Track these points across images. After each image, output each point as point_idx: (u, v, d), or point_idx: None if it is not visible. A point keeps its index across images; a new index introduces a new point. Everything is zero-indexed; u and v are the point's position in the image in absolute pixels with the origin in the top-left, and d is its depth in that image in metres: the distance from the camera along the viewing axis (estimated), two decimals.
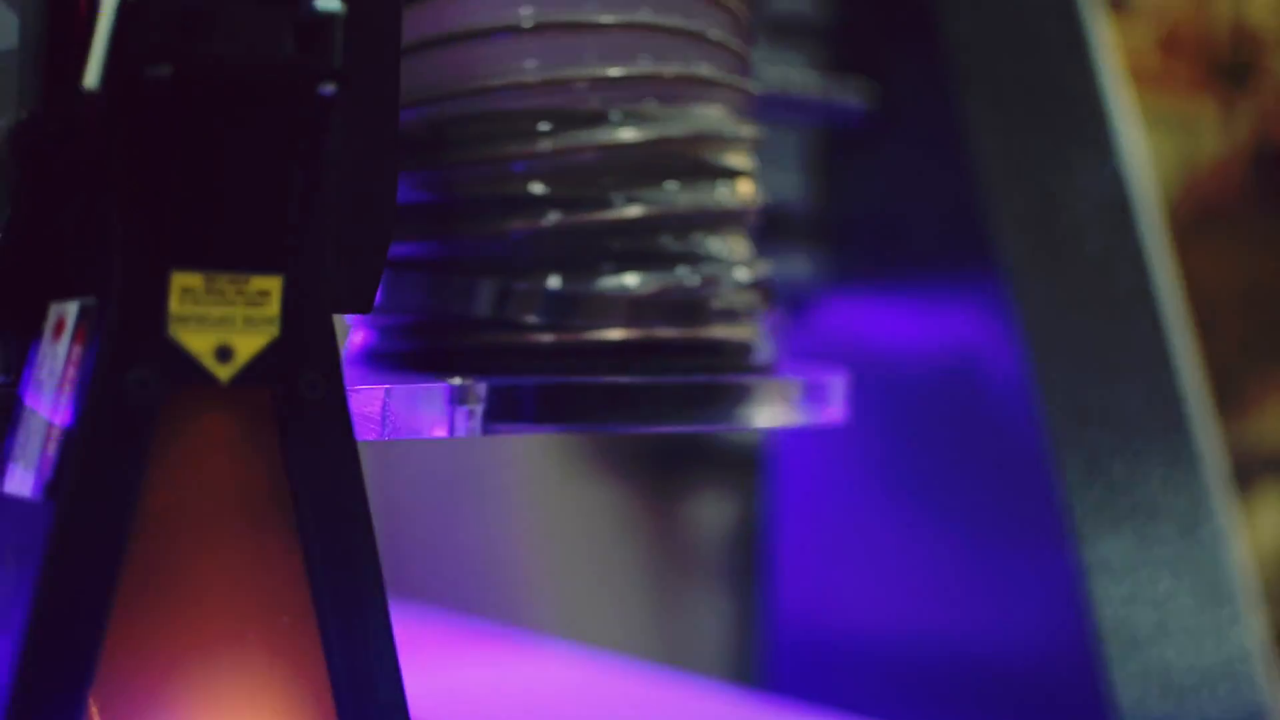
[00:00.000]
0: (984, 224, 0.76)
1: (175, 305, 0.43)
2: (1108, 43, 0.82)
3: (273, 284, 0.44)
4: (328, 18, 0.42)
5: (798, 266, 0.83)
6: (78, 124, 0.44)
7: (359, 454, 0.45)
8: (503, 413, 0.53)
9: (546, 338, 0.55)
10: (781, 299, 0.82)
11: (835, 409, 0.58)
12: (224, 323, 0.44)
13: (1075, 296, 0.77)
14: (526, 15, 0.54)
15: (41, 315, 0.46)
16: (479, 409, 0.52)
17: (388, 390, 0.51)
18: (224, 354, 0.44)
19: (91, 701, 0.43)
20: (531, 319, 0.54)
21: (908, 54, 0.80)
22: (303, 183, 0.44)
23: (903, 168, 0.81)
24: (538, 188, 0.55)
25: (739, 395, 0.55)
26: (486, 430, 0.52)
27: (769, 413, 0.55)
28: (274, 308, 0.44)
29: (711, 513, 0.98)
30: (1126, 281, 0.79)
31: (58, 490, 0.42)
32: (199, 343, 0.43)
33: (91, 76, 0.41)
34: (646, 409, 0.54)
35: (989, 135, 0.78)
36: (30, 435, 0.44)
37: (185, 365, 0.43)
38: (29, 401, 0.45)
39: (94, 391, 0.42)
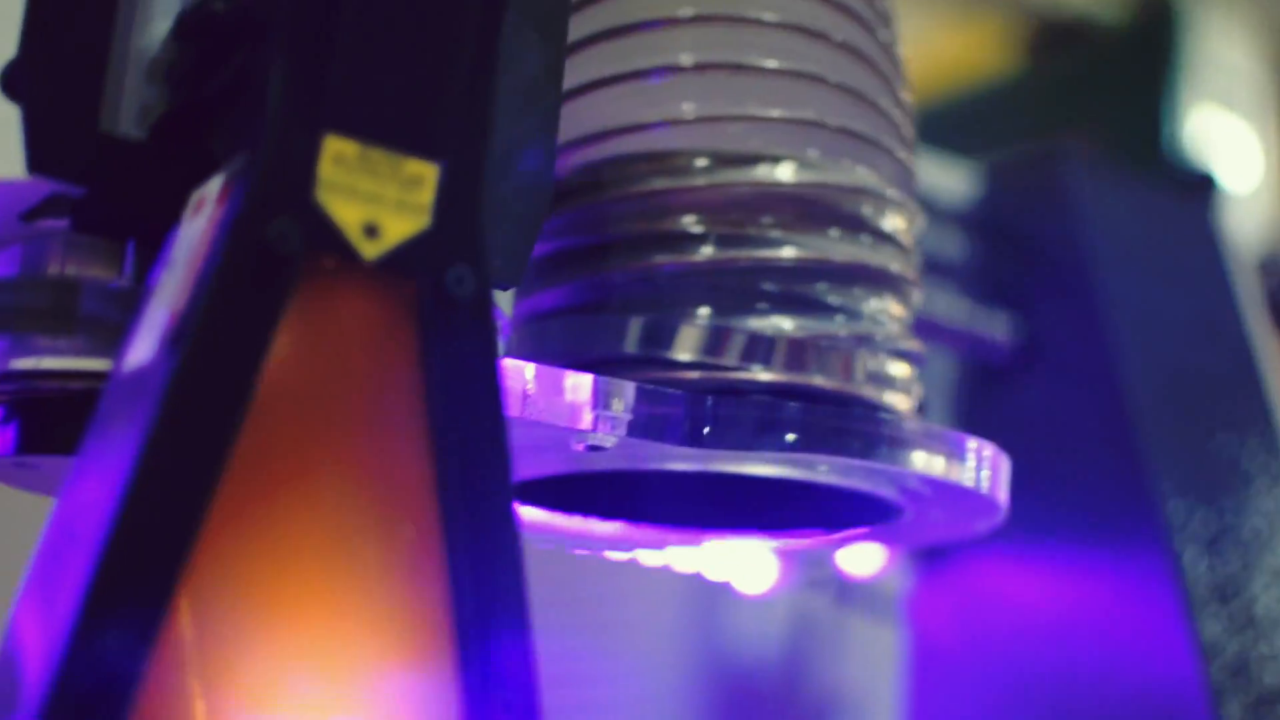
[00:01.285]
0: (1138, 464, 0.72)
1: (326, 170, 0.41)
2: (1249, 277, 0.80)
3: (429, 171, 0.42)
4: None
5: None
6: None
7: (500, 366, 0.42)
8: (648, 424, 0.49)
9: (694, 374, 0.51)
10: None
11: (1000, 485, 0.54)
12: (374, 200, 0.41)
13: (1237, 552, 0.73)
14: (686, 58, 0.54)
15: (178, 215, 0.43)
16: (625, 418, 0.49)
17: (534, 367, 0.47)
18: (371, 231, 0.41)
19: (182, 591, 0.38)
20: (680, 355, 0.51)
21: (1053, 293, 0.78)
22: (473, 67, 0.42)
23: (1049, 404, 0.78)
24: (692, 223, 0.53)
25: (896, 439, 0.51)
26: (630, 432, 0.48)
27: (928, 460, 0.51)
28: (427, 195, 0.42)
29: None
30: None
31: (181, 338, 0.39)
32: (347, 214, 0.41)
33: None
34: (799, 436, 0.50)
35: (1140, 370, 0.75)
36: (156, 307, 0.41)
37: (330, 233, 0.40)
38: (157, 281, 0.42)
39: (233, 237, 0.39)
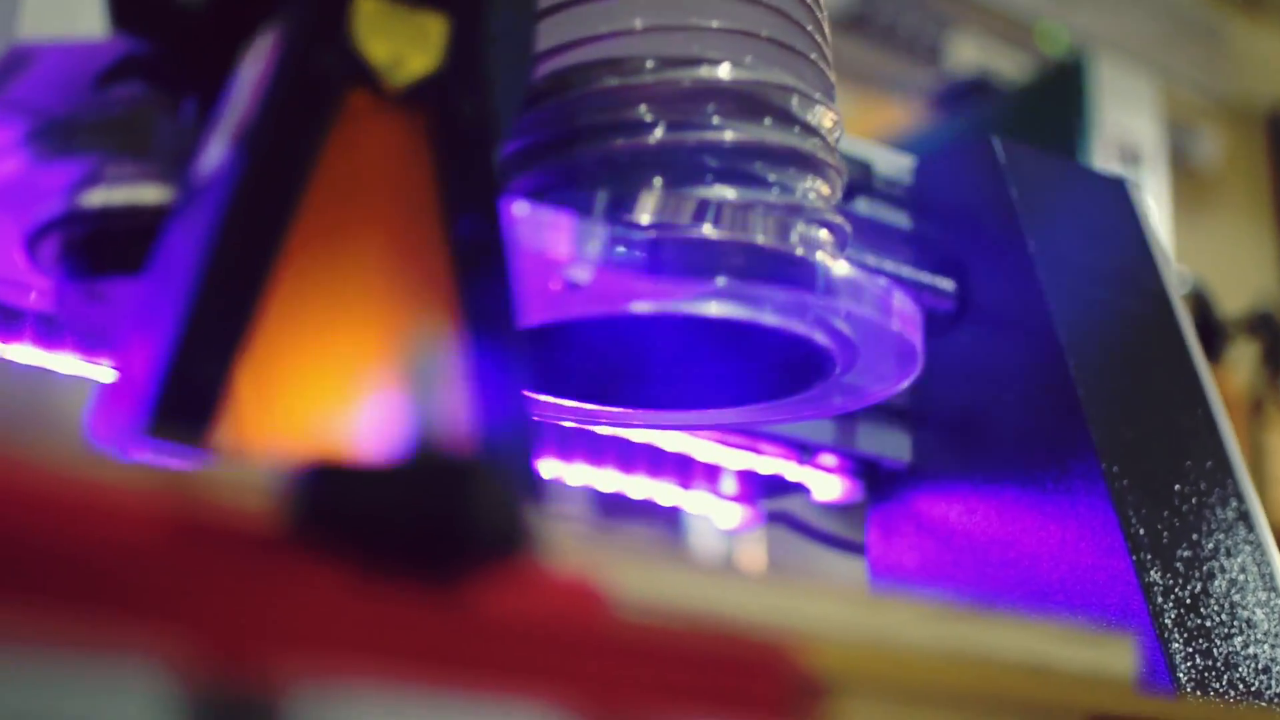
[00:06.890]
0: (1070, 404, 0.80)
1: (358, 18, 0.51)
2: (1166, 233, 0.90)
3: (437, 22, 0.52)
4: None
5: (896, 447, 0.87)
6: None
7: (496, 173, 0.52)
8: (617, 260, 0.59)
9: (651, 234, 0.61)
10: (874, 480, 0.86)
11: (914, 331, 0.63)
12: (396, 43, 0.51)
13: (1166, 482, 0.80)
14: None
15: (229, 72, 0.53)
16: (598, 257, 0.58)
17: (526, 205, 0.57)
18: (394, 68, 0.51)
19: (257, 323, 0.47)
20: (641, 218, 0.61)
21: (986, 254, 0.86)
22: None
23: (988, 352, 0.85)
24: (644, 113, 0.63)
25: (828, 277, 0.61)
26: (602, 268, 0.58)
27: (854, 300, 0.61)
28: (437, 41, 0.52)
29: None
30: (1208, 459, 0.82)
31: (250, 137, 0.48)
32: (375, 52, 0.51)
33: None
34: (746, 266, 0.60)
35: (1069, 319, 0.83)
36: (223, 127, 0.51)
37: (361, 67, 0.51)
38: (222, 113, 0.52)
39: (286, 64, 0.49)
